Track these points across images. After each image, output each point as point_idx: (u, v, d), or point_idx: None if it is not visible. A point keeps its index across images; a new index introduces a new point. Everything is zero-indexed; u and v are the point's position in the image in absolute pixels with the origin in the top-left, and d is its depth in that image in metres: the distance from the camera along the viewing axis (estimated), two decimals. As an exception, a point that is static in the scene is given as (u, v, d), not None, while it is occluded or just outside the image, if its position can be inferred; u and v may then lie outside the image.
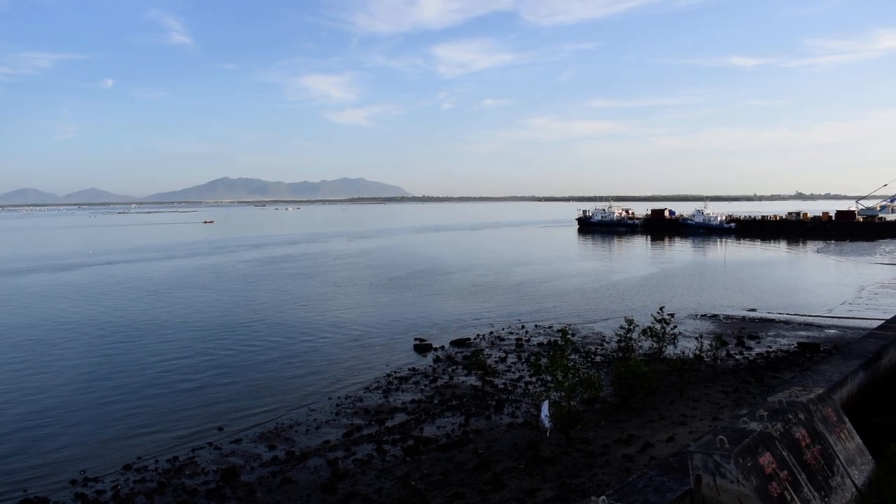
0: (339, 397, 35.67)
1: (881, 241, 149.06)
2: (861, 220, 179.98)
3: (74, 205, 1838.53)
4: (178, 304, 68.31)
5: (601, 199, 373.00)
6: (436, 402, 34.25)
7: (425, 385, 37.48)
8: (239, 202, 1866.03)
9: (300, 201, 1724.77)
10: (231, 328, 55.29)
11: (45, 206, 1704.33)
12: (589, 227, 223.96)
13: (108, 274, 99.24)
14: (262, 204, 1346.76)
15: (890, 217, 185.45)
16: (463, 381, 37.88)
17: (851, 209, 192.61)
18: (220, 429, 31.10)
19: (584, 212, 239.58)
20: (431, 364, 42.49)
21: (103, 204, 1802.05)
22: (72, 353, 47.15)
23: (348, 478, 24.61)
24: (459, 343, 48.22)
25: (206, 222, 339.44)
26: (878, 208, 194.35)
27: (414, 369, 41.16)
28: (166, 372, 41.63)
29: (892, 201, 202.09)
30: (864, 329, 44.55)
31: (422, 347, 46.97)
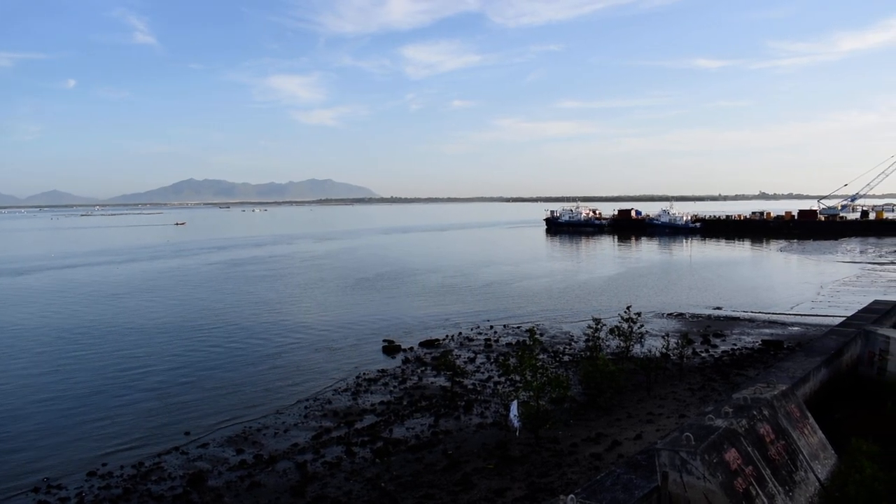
0: (307, 400, 35.44)
1: (842, 239, 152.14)
2: (823, 219, 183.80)
3: (36, 207, 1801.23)
4: (143, 308, 67.34)
5: (569, 199, 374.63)
6: (405, 403, 34.18)
7: (394, 386, 37.38)
8: (205, 204, 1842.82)
9: (267, 203, 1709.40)
10: (197, 332, 54.64)
11: (5, 208, 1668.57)
12: (557, 227, 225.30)
13: (70, 278, 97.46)
14: (227, 206, 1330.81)
15: (851, 216, 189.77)
16: (432, 382, 37.85)
17: (813, 209, 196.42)
18: (187, 433, 30.72)
19: (552, 212, 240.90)
20: (400, 365, 42.39)
21: (66, 206, 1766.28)
22: (33, 359, 46.22)
23: (317, 480, 24.47)
24: (428, 344, 48.17)
25: (177, 224, 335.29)
26: (839, 207, 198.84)
27: (383, 371, 41.02)
28: (131, 377, 41.01)
29: (852, 200, 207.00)
30: (826, 326, 45.38)
31: (390, 349, 46.84)
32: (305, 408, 34.11)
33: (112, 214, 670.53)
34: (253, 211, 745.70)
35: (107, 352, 47.91)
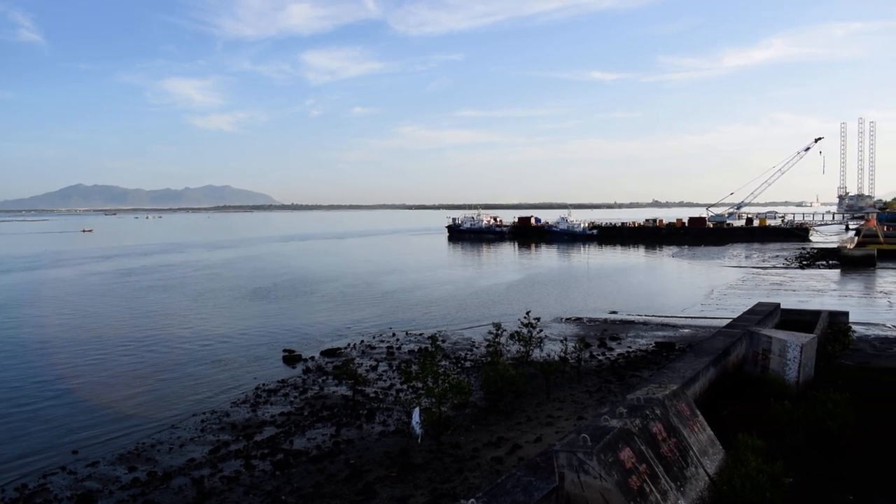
0: (204, 413, 34.33)
1: (729, 245, 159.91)
2: (711, 226, 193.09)
3: None
4: (15, 323, 63.68)
5: (470, 206, 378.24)
6: (306, 413, 33.63)
7: (295, 397, 36.72)
8: (95, 210, 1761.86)
9: (162, 210, 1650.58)
10: (82, 345, 52.03)
11: None
12: (458, 234, 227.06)
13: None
14: (114, 212, 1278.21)
15: (737, 223, 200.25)
16: (334, 392, 37.40)
17: (702, 216, 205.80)
18: (75, 452, 29.20)
19: (454, 219, 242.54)
20: (301, 375, 41.69)
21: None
22: None
23: (215, 496, 23.72)
24: (330, 353, 47.60)
25: (84, 231, 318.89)
26: (727, 215, 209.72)
27: (283, 381, 40.23)
28: (9, 394, 38.68)
29: (738, 208, 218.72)
30: (714, 328, 47.37)
31: (291, 359, 46.01)
32: (202, 421, 33.05)
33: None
34: (147, 218, 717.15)
35: (-15, 368, 45.03)
